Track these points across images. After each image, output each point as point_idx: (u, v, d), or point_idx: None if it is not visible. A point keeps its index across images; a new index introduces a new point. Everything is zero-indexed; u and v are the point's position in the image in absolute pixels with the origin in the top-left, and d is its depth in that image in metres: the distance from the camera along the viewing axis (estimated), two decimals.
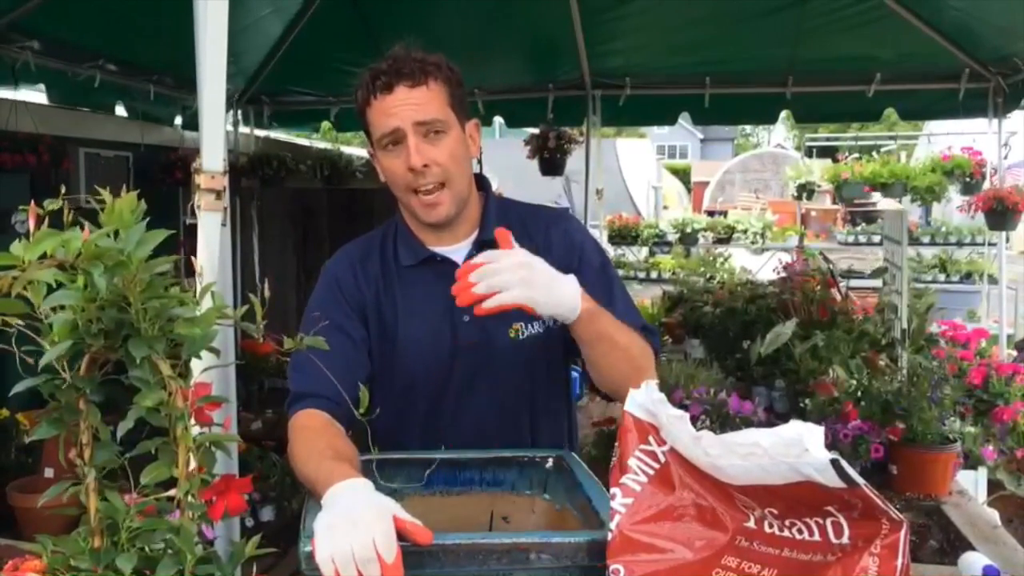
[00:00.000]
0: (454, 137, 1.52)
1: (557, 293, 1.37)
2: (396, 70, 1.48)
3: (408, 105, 1.47)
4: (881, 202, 6.73)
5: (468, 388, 1.59)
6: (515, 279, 1.31)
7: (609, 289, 1.61)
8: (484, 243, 1.59)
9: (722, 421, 2.55)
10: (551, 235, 1.63)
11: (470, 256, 1.58)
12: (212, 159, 1.45)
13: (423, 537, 1.04)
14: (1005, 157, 5.08)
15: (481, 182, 1.67)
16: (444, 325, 1.58)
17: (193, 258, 1.38)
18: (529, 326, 1.58)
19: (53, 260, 0.76)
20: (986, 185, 5.34)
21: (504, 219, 1.63)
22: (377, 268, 1.62)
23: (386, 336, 1.59)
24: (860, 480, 0.88)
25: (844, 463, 0.88)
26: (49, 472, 2.57)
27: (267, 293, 0.99)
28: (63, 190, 0.89)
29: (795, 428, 0.93)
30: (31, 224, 0.79)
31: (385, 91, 1.48)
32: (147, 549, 0.94)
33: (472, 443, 1.52)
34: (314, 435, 1.42)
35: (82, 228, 0.81)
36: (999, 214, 4.89)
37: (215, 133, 1.48)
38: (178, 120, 4.88)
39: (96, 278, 0.76)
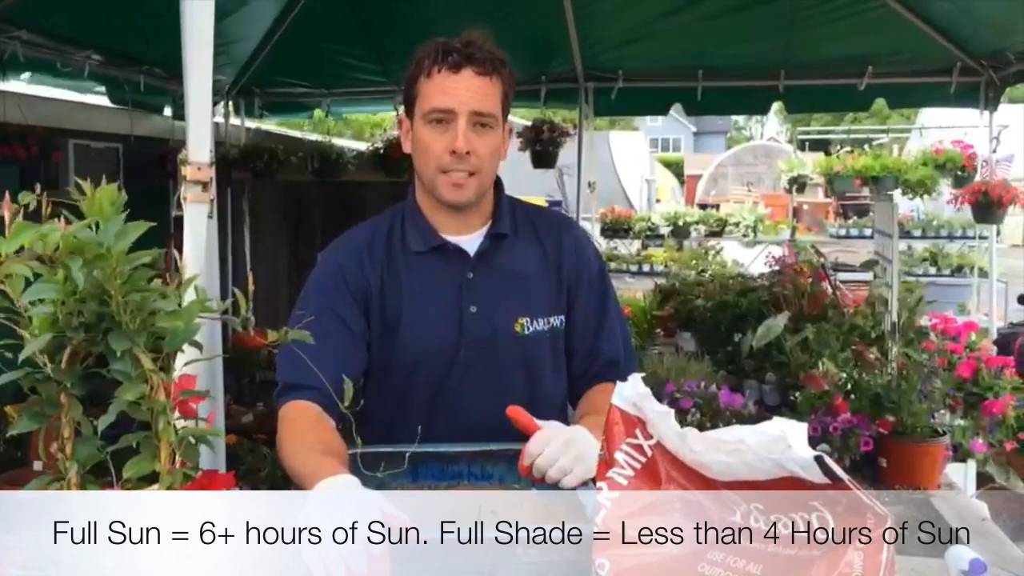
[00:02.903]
0: (497, 135, 1.54)
1: (594, 452, 1.36)
2: (469, 54, 1.49)
3: (470, 91, 1.49)
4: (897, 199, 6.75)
5: (469, 378, 1.59)
6: (570, 461, 1.32)
7: (603, 299, 1.68)
8: (495, 236, 1.61)
9: (713, 414, 2.54)
10: (563, 241, 1.67)
11: (483, 247, 1.60)
12: (198, 150, 1.44)
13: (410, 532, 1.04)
14: (994, 151, 5.09)
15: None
16: (451, 314, 1.58)
17: (176, 251, 1.37)
18: (535, 322, 1.61)
19: (31, 253, 0.75)
20: (977, 178, 5.36)
21: (514, 216, 1.66)
22: (382, 253, 1.61)
23: (388, 321, 1.59)
24: (844, 476, 0.88)
25: (828, 460, 0.88)
26: (37, 465, 2.55)
27: (251, 286, 0.98)
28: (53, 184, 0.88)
29: (779, 425, 0.93)
30: (6, 217, 0.78)
31: (453, 69, 1.49)
32: None
33: (470, 432, 1.51)
34: (303, 429, 1.41)
35: (61, 220, 0.80)
36: (985, 207, 4.91)
37: (202, 124, 1.46)
38: (167, 111, 4.84)
39: (74, 272, 0.75)
